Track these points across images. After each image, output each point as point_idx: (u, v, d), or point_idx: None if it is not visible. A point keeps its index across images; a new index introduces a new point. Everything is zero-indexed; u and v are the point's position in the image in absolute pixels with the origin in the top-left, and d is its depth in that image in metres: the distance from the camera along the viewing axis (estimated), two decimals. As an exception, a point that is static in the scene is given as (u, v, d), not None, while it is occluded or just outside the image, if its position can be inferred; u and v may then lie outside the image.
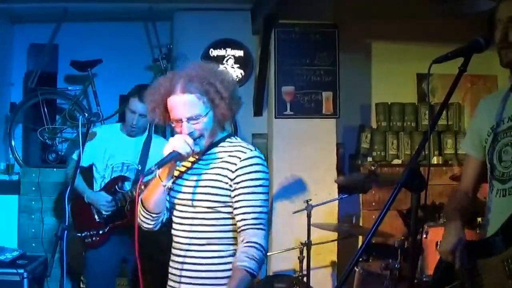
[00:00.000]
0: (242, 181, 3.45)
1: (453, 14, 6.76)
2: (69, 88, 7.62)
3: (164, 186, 3.49)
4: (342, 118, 7.47)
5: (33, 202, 7.11)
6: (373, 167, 6.16)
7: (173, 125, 3.53)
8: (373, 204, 7.42)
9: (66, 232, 4.60)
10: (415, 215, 2.72)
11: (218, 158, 3.55)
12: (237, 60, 7.73)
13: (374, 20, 7.72)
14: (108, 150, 5.84)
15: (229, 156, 3.52)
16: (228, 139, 3.64)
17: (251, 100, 7.64)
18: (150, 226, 3.71)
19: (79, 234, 5.77)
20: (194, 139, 3.42)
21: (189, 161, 3.64)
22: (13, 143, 7.57)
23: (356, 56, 8.01)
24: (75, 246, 5.87)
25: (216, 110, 3.48)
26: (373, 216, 7.33)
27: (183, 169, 3.67)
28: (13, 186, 7.24)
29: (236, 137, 3.70)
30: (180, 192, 3.60)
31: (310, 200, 6.03)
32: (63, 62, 7.68)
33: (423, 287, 5.00)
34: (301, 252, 6.02)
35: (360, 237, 7.07)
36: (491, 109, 3.49)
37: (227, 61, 7.70)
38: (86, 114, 7.13)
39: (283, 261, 6.86)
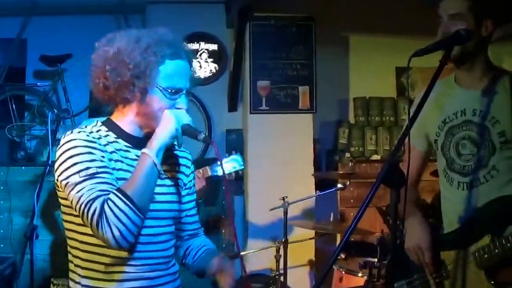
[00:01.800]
0: (193, 185, 3.30)
1: (434, 5, 6.77)
2: (38, 83, 7.57)
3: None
4: (319, 113, 7.46)
5: (1, 202, 7.03)
6: (350, 163, 6.17)
7: (157, 93, 2.90)
8: (351, 201, 7.43)
9: (35, 232, 4.58)
10: (395, 212, 2.72)
11: (173, 157, 3.19)
12: (211, 54, 7.73)
13: (351, 12, 7.73)
14: None
15: (180, 157, 3.22)
16: None
17: (225, 95, 7.64)
18: (133, 239, 2.80)
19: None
20: None
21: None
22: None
23: (333, 50, 8.01)
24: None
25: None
26: (352, 213, 7.34)
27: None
28: (-20, 185, 7.16)
29: None
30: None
31: (287, 197, 6.02)
32: (32, 57, 7.66)
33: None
34: (278, 251, 6.00)
35: (338, 235, 7.08)
36: (439, 101, 3.55)
37: (200, 55, 7.71)
38: (56, 111, 7.17)
39: (259, 260, 6.83)
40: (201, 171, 5.61)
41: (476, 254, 3.23)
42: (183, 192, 3.19)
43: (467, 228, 3.35)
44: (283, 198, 5.99)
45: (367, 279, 5.19)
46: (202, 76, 7.69)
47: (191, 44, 7.68)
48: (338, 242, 7.28)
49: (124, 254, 2.86)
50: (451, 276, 3.37)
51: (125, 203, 2.70)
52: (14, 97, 7.45)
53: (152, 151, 2.80)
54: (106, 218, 2.69)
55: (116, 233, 2.70)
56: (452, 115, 3.47)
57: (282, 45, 7.29)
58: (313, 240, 6.99)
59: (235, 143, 7.60)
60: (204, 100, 7.54)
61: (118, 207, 2.70)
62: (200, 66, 7.71)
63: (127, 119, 2.99)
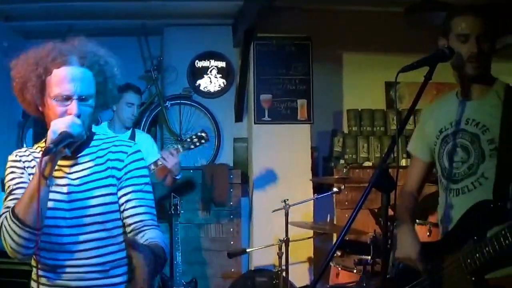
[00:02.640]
0: (133, 177, 2.87)
1: (420, 25, 6.76)
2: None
3: (49, 185, 2.59)
4: (316, 124, 7.46)
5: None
6: (345, 169, 6.15)
7: (51, 104, 2.75)
8: (346, 203, 7.39)
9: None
10: (386, 214, 2.70)
11: (100, 157, 2.89)
12: (219, 70, 7.74)
13: (345, 32, 7.73)
14: None
15: (110, 152, 2.91)
16: (97, 134, 2.99)
17: (232, 107, 7.65)
18: (30, 251, 2.65)
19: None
20: None
21: (63, 162, 2.81)
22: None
23: (328, 66, 7.99)
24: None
25: (101, 95, 2.88)
26: (346, 215, 7.30)
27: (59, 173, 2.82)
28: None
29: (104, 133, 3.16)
30: (59, 201, 2.79)
31: (288, 200, 6.00)
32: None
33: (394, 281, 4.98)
34: (280, 249, 5.97)
35: (334, 235, 7.04)
36: (438, 113, 3.49)
37: (210, 71, 7.73)
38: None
39: (263, 257, 6.83)
40: (174, 149, 5.63)
41: (461, 258, 3.12)
42: (114, 190, 2.85)
43: (454, 234, 3.27)
44: (284, 201, 5.96)
45: (361, 275, 5.18)
46: (212, 90, 7.77)
47: (203, 61, 7.75)
48: (334, 241, 7.25)
49: (35, 263, 2.81)
50: (443, 282, 3.28)
51: (12, 219, 2.58)
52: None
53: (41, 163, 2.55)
54: (2, 233, 2.63)
55: (9, 247, 2.62)
56: (447, 124, 3.38)
57: (282, 62, 7.30)
58: (312, 239, 6.98)
59: (242, 149, 7.62)
60: (213, 112, 7.56)
61: (8, 223, 2.60)
62: (210, 81, 7.74)
63: None
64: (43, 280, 2.77)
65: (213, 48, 7.79)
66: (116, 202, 2.84)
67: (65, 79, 2.71)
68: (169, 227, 6.63)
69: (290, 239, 5.94)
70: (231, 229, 7.24)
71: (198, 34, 7.73)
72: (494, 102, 3.24)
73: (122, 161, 2.88)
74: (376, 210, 6.15)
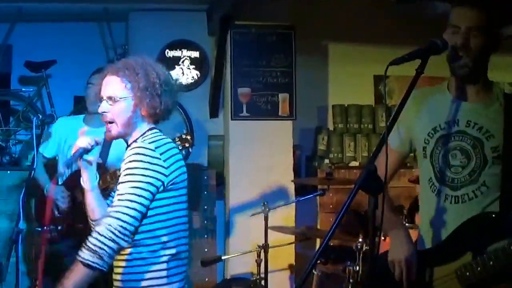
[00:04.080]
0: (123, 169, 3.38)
1: (412, 15, 6.81)
2: (23, 89, 7.53)
3: (92, 190, 3.47)
4: (298, 120, 7.47)
5: (-13, 206, 6.99)
6: (329, 169, 6.18)
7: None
8: (331, 206, 7.45)
9: (20, 235, 4.56)
10: (373, 217, 2.73)
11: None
12: (193, 61, 7.71)
13: (331, 21, 7.76)
14: (68, 141, 5.73)
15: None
16: (146, 133, 3.54)
17: (207, 101, 7.63)
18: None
19: (39, 229, 5.69)
20: (108, 123, 3.47)
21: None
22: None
23: (313, 58, 8.03)
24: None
25: (138, 98, 3.43)
26: (331, 219, 7.35)
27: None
28: (-35, 189, 7.11)
29: (157, 132, 3.57)
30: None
31: (267, 202, 6.03)
32: (17, 62, 7.61)
33: None
34: (259, 255, 6.00)
35: (318, 240, 7.09)
36: (431, 108, 3.49)
37: (183, 62, 7.68)
38: (40, 116, 7.12)
39: (240, 264, 6.85)
40: None
41: (458, 272, 3.17)
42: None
43: (450, 244, 3.29)
44: (264, 204, 5.99)
45: (347, 283, 5.22)
46: (184, 83, 7.64)
47: (174, 51, 7.67)
48: (317, 247, 7.29)
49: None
50: None
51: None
52: (0, 102, 7.42)
53: None
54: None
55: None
56: (444, 123, 3.39)
57: (262, 53, 7.31)
58: (293, 245, 6.99)
59: (217, 148, 7.60)
60: (186, 106, 7.50)
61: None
62: (183, 73, 7.69)
63: None
64: None
65: (185, 36, 7.72)
66: None
67: (101, 86, 3.53)
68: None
69: (269, 245, 5.97)
70: (205, 236, 7.23)
71: (168, 21, 7.64)
72: (496, 107, 3.30)
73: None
74: (363, 213, 6.20)
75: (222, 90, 7.55)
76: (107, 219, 3.18)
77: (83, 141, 3.41)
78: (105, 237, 3.13)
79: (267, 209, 5.95)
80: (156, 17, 7.61)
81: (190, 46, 7.73)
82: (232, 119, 7.30)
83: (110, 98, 3.38)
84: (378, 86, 8.20)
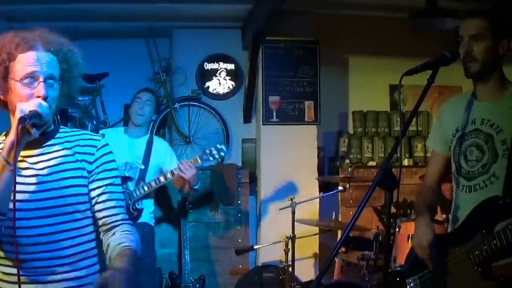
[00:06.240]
0: (105, 170, 2.78)
1: (424, 30, 6.77)
2: (80, 98, 7.55)
3: (11, 170, 2.43)
4: (322, 125, 7.47)
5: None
6: (350, 169, 6.16)
7: (16, 88, 2.58)
8: (351, 201, 7.41)
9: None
10: (389, 211, 2.72)
11: (67, 148, 2.76)
12: (228, 72, 7.72)
13: (351, 37, 7.75)
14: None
15: (78, 145, 2.78)
16: (62, 127, 2.88)
17: (241, 109, 7.64)
18: None
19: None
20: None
21: (26, 153, 2.66)
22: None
23: (335, 69, 8.01)
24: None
25: (66, 83, 2.74)
26: (351, 213, 7.31)
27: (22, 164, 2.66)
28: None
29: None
30: (26, 192, 2.63)
31: (294, 198, 6.01)
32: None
33: (395, 275, 5.00)
34: (287, 245, 5.99)
35: (339, 231, 7.06)
36: (455, 112, 3.52)
37: (220, 73, 7.70)
38: (95, 122, 7.18)
39: (270, 253, 6.85)
40: (192, 160, 5.60)
41: (470, 251, 3.19)
42: (84, 181, 2.73)
43: (464, 227, 3.32)
44: (291, 199, 5.98)
45: (365, 270, 5.20)
46: (221, 92, 7.70)
47: (212, 64, 7.70)
48: (339, 237, 7.27)
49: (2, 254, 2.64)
50: (450, 273, 3.33)
51: None
52: (59, 110, 7.45)
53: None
54: None
55: None
56: (464, 123, 3.42)
57: (290, 65, 7.31)
58: (317, 236, 6.99)
59: (250, 150, 7.61)
60: (222, 113, 7.52)
61: None
62: (219, 83, 7.71)
63: None
64: (7, 277, 2.63)
65: (222, 51, 7.74)
66: (86, 194, 2.72)
67: (31, 60, 2.57)
68: (178, 226, 6.67)
69: (296, 236, 5.96)
70: (239, 227, 7.24)
71: (207, 37, 7.67)
72: (507, 103, 3.29)
73: (93, 154, 2.77)
74: (379, 208, 6.17)
75: (255, 98, 7.56)
76: (135, 230, 2.80)
77: (38, 106, 2.49)
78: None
79: (294, 204, 5.94)
80: (197, 33, 7.64)
81: (226, 59, 7.74)
82: (263, 124, 7.31)
83: (50, 78, 2.63)
84: (393, 94, 8.16)
